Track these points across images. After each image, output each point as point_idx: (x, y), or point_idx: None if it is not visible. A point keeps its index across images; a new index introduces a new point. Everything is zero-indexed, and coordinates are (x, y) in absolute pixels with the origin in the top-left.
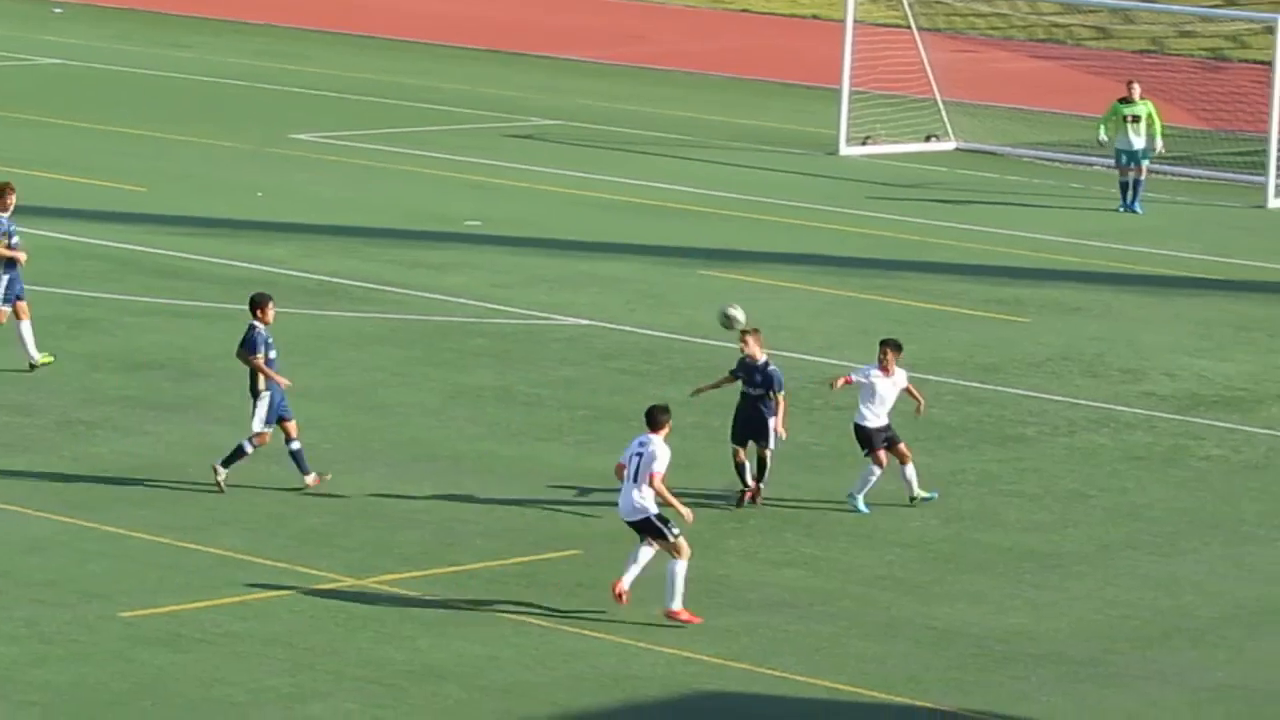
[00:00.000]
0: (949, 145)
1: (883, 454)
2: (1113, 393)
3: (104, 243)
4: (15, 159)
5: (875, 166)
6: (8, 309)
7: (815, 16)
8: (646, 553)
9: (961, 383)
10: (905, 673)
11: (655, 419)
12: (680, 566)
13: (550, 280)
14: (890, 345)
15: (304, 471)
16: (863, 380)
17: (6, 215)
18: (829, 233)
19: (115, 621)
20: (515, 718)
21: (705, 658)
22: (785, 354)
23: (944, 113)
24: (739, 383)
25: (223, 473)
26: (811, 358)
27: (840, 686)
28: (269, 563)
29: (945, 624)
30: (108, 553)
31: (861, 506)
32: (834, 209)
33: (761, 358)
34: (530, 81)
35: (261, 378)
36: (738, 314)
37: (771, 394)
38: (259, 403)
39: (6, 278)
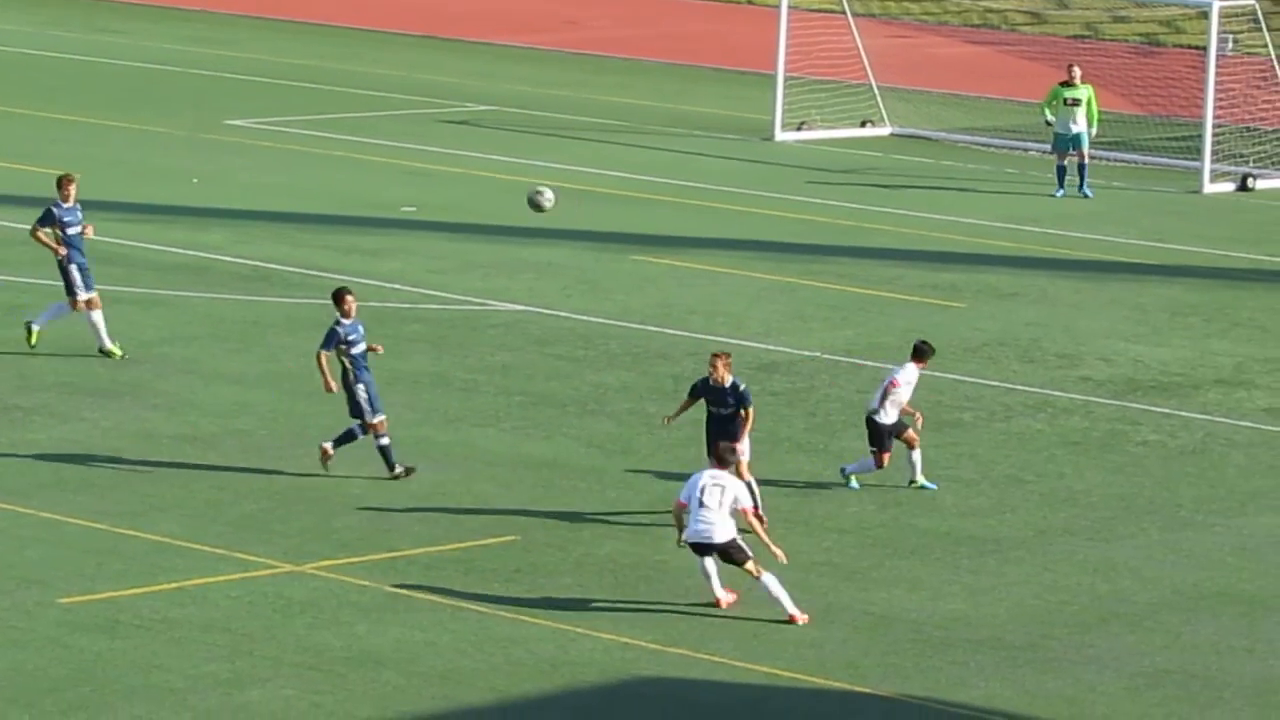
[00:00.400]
0: (884, 131)
1: (887, 457)
2: (1049, 378)
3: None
4: None
5: (810, 152)
6: (85, 297)
7: (750, 2)
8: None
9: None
10: (843, 658)
11: (725, 459)
12: (771, 579)
13: (485, 266)
14: (928, 351)
15: (336, 445)
16: (907, 382)
17: (69, 204)
18: (765, 218)
19: (53, 608)
20: (454, 704)
21: (643, 643)
22: (721, 339)
23: (879, 98)
24: (704, 403)
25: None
26: (748, 343)
27: (778, 672)
28: (206, 549)
29: (883, 609)
30: (45, 539)
31: (854, 483)
32: (770, 194)
33: (729, 379)
34: (464, 67)
35: (350, 370)
36: (544, 199)
37: (744, 412)
38: (356, 393)
39: (75, 266)
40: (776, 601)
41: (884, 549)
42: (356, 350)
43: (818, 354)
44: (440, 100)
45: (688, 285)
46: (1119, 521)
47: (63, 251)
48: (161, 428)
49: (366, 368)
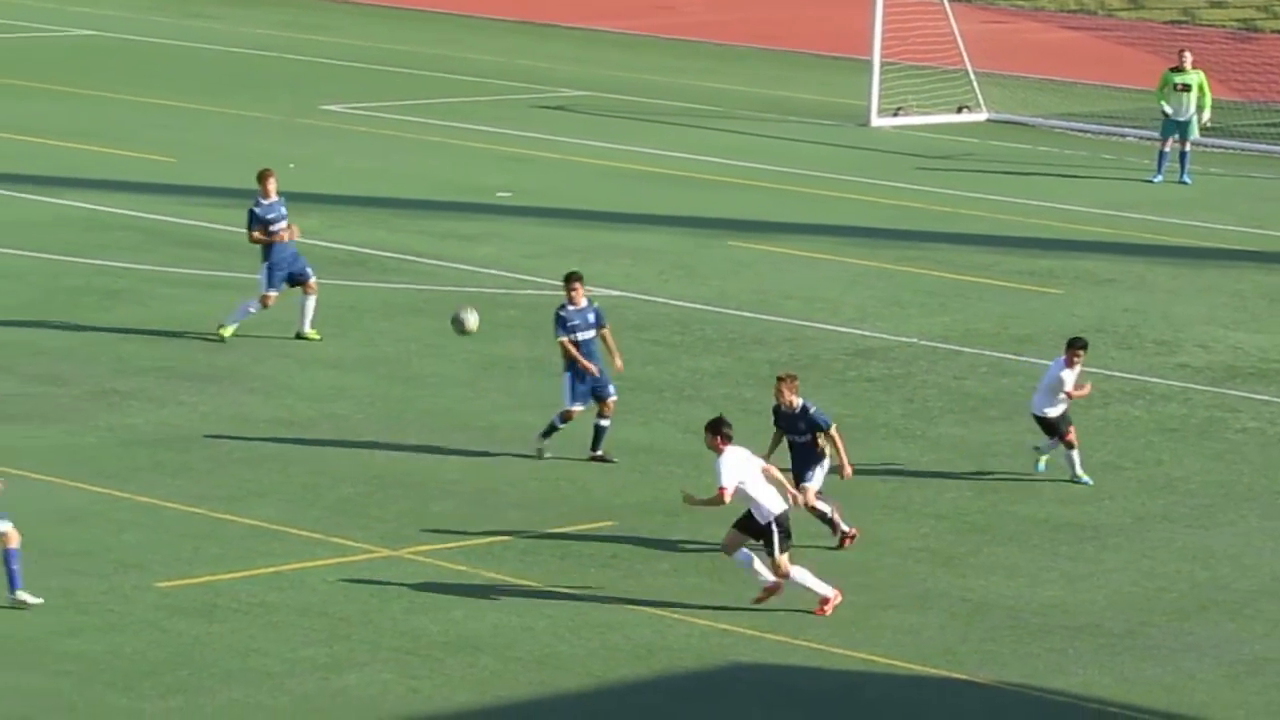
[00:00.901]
0: (980, 116)
1: (1072, 434)
2: (1147, 364)
3: (134, 213)
4: (46, 129)
5: (906, 138)
6: (275, 294)
7: None
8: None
9: (994, 354)
10: (941, 645)
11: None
12: (801, 572)
13: (581, 251)
14: (1080, 345)
15: (593, 448)
16: (1069, 389)
17: (270, 201)
18: (860, 204)
19: (151, 591)
20: (550, 689)
21: (740, 629)
22: (817, 325)
23: (975, 83)
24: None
25: (544, 443)
26: (843, 329)
27: (875, 658)
28: (303, 533)
29: (980, 596)
30: (143, 523)
31: (1086, 478)
32: (865, 180)
33: (798, 403)
34: (559, 53)
35: (566, 356)
36: (469, 318)
37: (820, 436)
38: (563, 381)
39: (266, 265)
40: (812, 586)
41: (982, 535)
42: (579, 336)
43: (914, 340)
44: (535, 85)
45: (784, 270)
46: (1217, 509)
47: (282, 238)
48: (259, 412)
49: (593, 353)
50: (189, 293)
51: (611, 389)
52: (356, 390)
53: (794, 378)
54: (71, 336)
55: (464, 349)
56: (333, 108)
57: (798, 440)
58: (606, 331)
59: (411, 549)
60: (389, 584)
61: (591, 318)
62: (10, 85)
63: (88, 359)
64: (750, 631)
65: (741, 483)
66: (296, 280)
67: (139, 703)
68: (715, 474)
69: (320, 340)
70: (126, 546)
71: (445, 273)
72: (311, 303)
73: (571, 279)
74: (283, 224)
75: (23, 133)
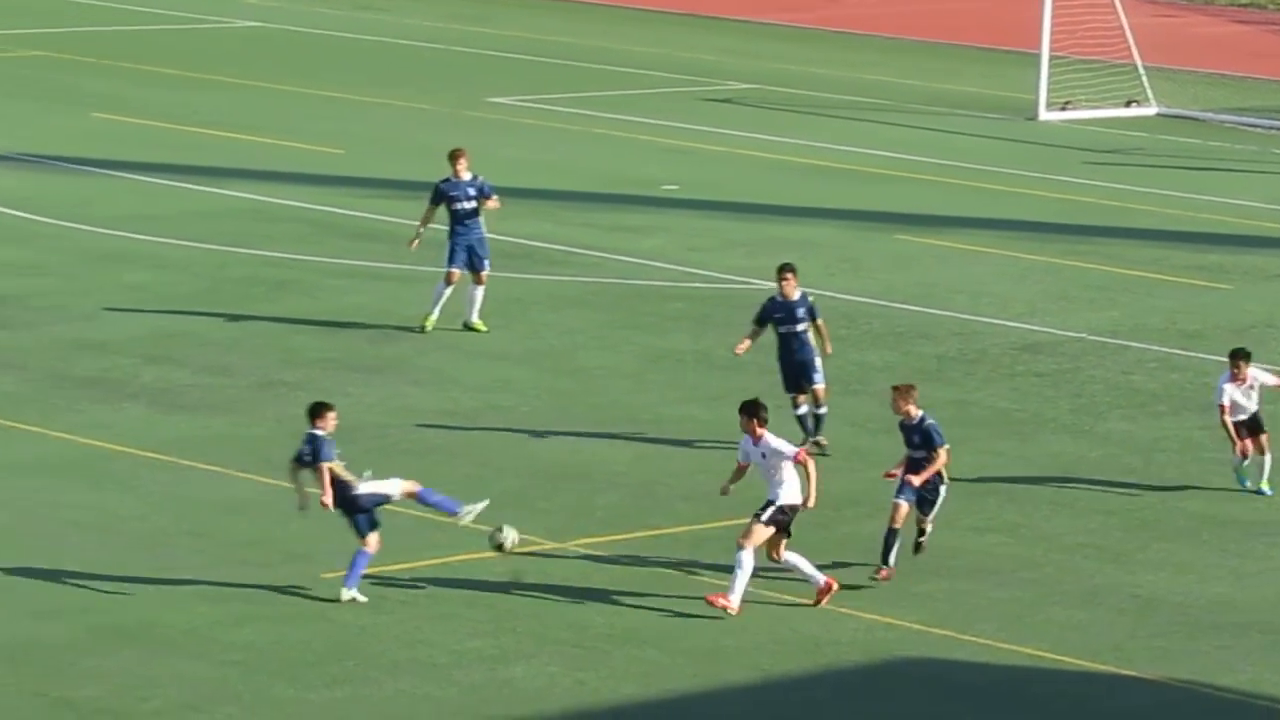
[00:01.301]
0: (1149, 110)
1: (1248, 444)
2: None
3: (302, 205)
4: (213, 121)
5: (1075, 132)
6: (457, 270)
7: None
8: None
9: (1163, 349)
10: (1109, 641)
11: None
12: (795, 558)
13: (747, 244)
14: (1240, 356)
15: (806, 433)
16: (1224, 404)
17: (459, 179)
18: (1028, 198)
19: (317, 582)
20: (717, 681)
21: (906, 624)
22: (984, 319)
23: (1144, 78)
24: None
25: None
26: (1011, 324)
27: (1042, 654)
28: (470, 525)
29: (1149, 592)
30: (309, 514)
31: (1266, 489)
32: (1033, 174)
33: (917, 414)
34: (725, 45)
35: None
36: (507, 538)
37: (933, 451)
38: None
39: (450, 242)
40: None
41: (1150, 531)
42: (797, 329)
43: (1082, 335)
44: (701, 78)
45: (950, 265)
46: None
47: (422, 230)
48: (424, 403)
49: (806, 344)
50: (356, 284)
51: (818, 376)
52: (522, 382)
53: (912, 388)
54: (239, 327)
55: (630, 341)
56: (499, 100)
57: (915, 455)
58: (821, 323)
59: (577, 541)
60: (555, 576)
61: (803, 311)
62: (179, 76)
63: (255, 350)
64: (916, 626)
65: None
66: (472, 267)
67: (305, 693)
68: (778, 451)
69: (487, 332)
70: (293, 537)
71: (611, 265)
72: (480, 293)
73: (784, 271)
74: (468, 203)
75: (191, 124)
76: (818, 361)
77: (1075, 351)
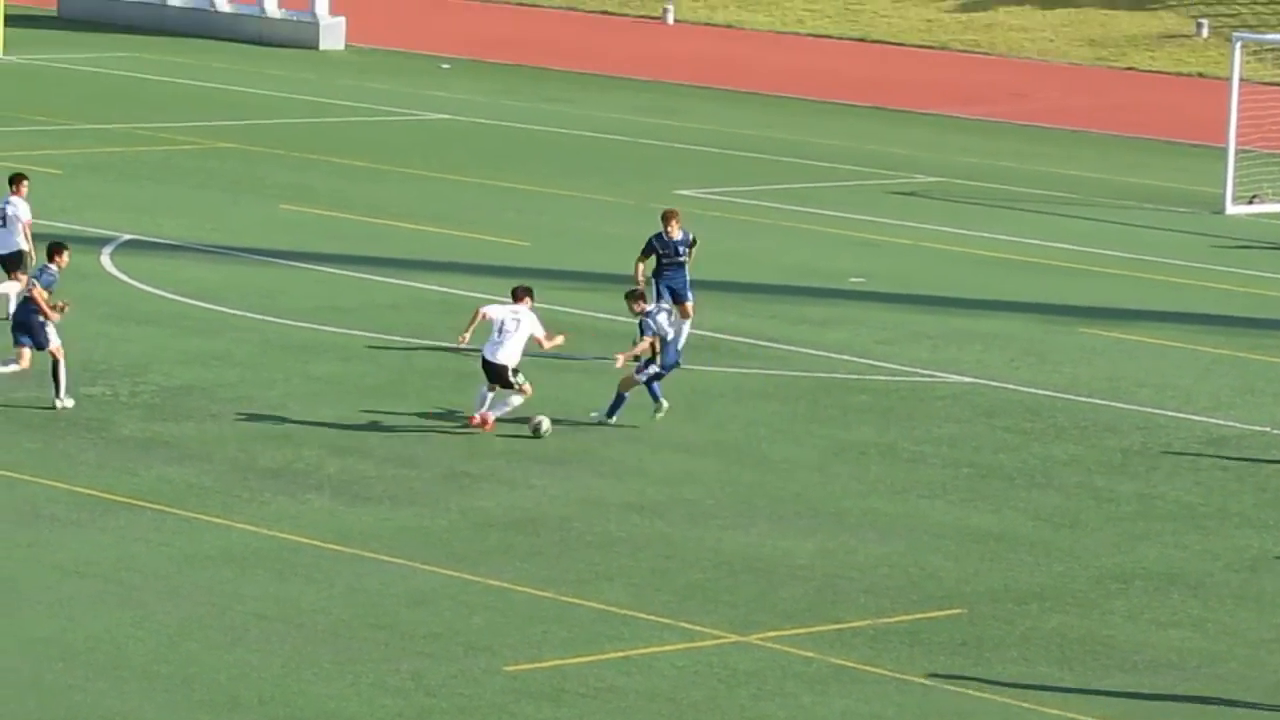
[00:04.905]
0: None
1: None
2: None
3: (487, 296)
4: (402, 212)
5: (1262, 225)
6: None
7: (1200, 74)
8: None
9: None
10: None
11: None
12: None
13: (933, 337)
14: None
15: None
16: None
17: (671, 238)
18: (1214, 291)
19: (499, 675)
20: None
21: (1091, 719)
22: (1169, 413)
23: None
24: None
25: None
26: (1198, 418)
27: None
28: (652, 618)
29: None
30: (492, 606)
31: None
32: (1219, 268)
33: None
34: (912, 138)
35: None
36: (542, 424)
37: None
38: None
39: (656, 292)
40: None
41: None
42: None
43: (1268, 429)
44: (888, 171)
45: (1136, 358)
46: None
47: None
48: (609, 495)
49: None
50: (539, 375)
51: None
52: (706, 474)
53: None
54: (424, 419)
55: (814, 434)
56: (686, 192)
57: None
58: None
59: (760, 634)
60: (737, 670)
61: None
62: (366, 168)
63: (440, 442)
64: None
65: None
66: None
67: None
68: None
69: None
70: (476, 629)
71: (797, 358)
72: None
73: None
74: (681, 258)
75: (377, 215)
76: None
77: (1261, 445)
